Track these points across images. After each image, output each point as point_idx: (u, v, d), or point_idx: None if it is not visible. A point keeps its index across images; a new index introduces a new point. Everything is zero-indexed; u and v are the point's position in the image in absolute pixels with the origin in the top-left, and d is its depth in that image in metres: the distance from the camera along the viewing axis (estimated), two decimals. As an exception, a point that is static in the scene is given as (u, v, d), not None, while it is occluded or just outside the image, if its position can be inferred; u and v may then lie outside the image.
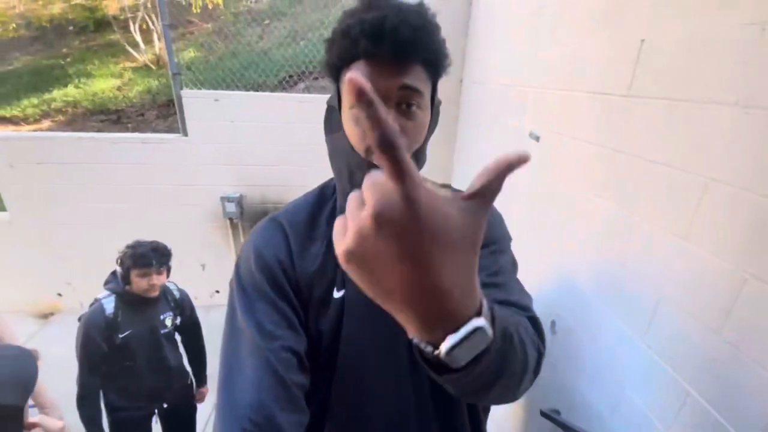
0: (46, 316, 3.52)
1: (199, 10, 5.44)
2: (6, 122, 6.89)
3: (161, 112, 5.91)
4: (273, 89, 3.66)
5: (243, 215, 3.46)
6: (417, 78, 0.56)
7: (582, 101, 1.56)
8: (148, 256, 1.62)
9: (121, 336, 1.64)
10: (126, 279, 1.64)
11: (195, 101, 3.06)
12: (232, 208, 3.33)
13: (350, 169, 0.61)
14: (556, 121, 1.81)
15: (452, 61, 0.61)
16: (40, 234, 3.27)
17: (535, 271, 1.87)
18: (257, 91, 3.43)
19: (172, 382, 1.87)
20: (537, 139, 2.00)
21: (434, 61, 0.57)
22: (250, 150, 3.25)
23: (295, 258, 0.63)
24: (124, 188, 3.24)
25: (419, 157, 0.62)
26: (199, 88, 3.11)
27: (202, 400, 2.09)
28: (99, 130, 5.70)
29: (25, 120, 6.78)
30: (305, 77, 3.79)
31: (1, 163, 3.14)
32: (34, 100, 6.70)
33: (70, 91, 6.61)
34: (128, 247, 1.66)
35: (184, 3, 5.34)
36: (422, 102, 0.58)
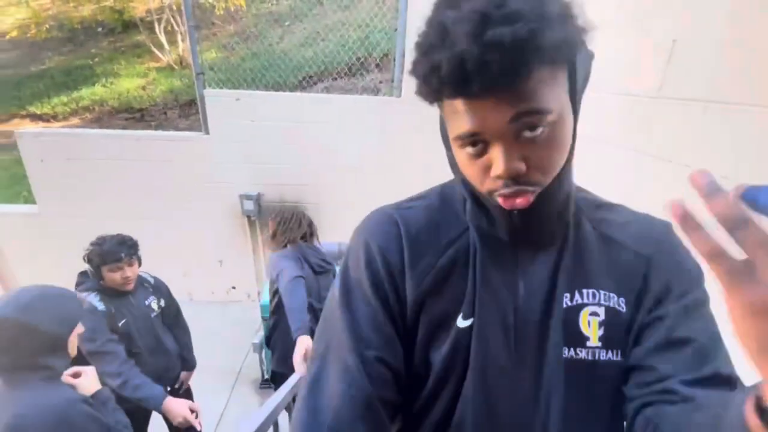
0: (70, 306, 3.64)
1: (222, 12, 5.56)
2: (37, 119, 7.17)
3: (183, 111, 6.06)
4: (293, 89, 3.70)
5: (261, 213, 3.51)
6: (536, 92, 0.40)
7: (607, 103, 1.52)
8: (116, 251, 1.62)
9: (120, 324, 1.69)
10: (98, 275, 1.66)
11: (217, 100, 3.12)
12: (250, 206, 3.38)
13: (464, 197, 0.54)
14: (579, 123, 1.77)
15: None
16: (68, 227, 3.38)
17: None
18: (277, 91, 3.47)
19: (172, 364, 1.92)
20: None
21: (559, 56, 0.40)
22: (269, 149, 3.29)
23: (407, 263, 0.54)
24: (148, 184, 3.33)
25: (563, 177, 0.49)
26: (221, 88, 3.17)
27: (185, 384, 2.07)
28: (124, 128, 5.87)
29: (54, 117, 7.04)
30: (325, 77, 3.83)
31: (32, 158, 3.28)
32: (64, 99, 6.97)
33: (98, 90, 6.85)
34: (93, 244, 1.66)
35: (207, 5, 5.47)
36: (551, 116, 0.42)
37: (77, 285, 1.71)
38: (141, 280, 1.83)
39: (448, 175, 0.63)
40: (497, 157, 0.43)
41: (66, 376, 1.08)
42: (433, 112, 0.57)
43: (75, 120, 6.60)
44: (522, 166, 0.43)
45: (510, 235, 0.51)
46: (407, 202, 0.61)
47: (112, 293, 1.70)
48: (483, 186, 0.47)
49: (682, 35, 1.16)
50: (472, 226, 0.55)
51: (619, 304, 0.50)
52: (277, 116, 3.20)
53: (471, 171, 0.48)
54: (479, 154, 0.45)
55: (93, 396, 1.12)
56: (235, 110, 3.14)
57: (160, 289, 1.92)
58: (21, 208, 3.62)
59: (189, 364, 2.05)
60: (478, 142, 0.44)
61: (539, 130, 0.42)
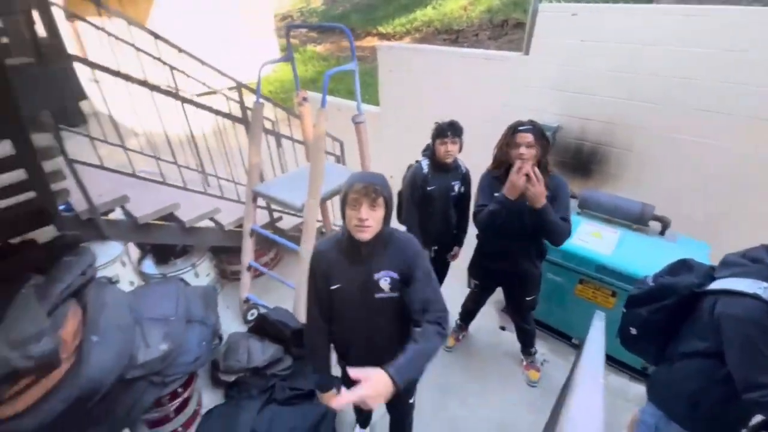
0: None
1: None
2: (382, 38, 8.98)
3: (494, 33, 6.12)
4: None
5: (553, 148, 3.29)
6: None
7: None
8: (445, 129, 2.10)
9: (428, 189, 2.21)
10: (432, 147, 2.18)
11: (548, 17, 2.89)
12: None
13: None
14: None
15: None
16: (402, 125, 4.24)
17: None
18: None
19: (449, 231, 2.41)
20: None
21: None
22: (592, 75, 2.89)
23: None
24: (464, 100, 3.61)
25: None
26: (559, 1, 2.89)
27: (455, 258, 2.56)
28: (441, 48, 6.54)
29: (393, 36, 8.62)
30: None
31: (384, 68, 4.16)
32: (403, 20, 8.36)
33: (428, 12, 7.79)
34: (435, 123, 2.17)
35: None
36: None
37: (423, 151, 2.31)
38: (456, 165, 2.27)
39: None
40: None
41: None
42: None
43: (407, 39, 7.88)
44: None
45: None
46: None
47: (436, 165, 2.21)
48: None
49: None
50: None
51: None
52: (613, 34, 2.69)
53: None
54: None
55: None
56: (565, 28, 2.84)
57: (466, 178, 2.32)
58: (370, 108, 4.78)
59: (461, 240, 2.51)
60: None
61: None
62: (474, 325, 2.73)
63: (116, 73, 2.21)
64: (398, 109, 4.20)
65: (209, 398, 2.26)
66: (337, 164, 3.33)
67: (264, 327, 2.33)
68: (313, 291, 1.37)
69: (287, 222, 3.35)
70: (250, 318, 2.70)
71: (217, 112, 2.73)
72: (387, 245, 1.30)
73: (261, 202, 2.83)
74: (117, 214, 2.35)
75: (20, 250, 1.80)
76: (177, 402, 1.94)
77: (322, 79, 2.26)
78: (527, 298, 2.20)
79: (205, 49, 2.70)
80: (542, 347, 2.61)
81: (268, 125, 2.99)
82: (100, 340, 1.54)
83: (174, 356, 1.75)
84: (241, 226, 2.81)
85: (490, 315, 2.90)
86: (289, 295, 2.59)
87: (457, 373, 2.50)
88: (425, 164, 2.23)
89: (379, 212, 1.22)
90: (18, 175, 1.67)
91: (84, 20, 2.26)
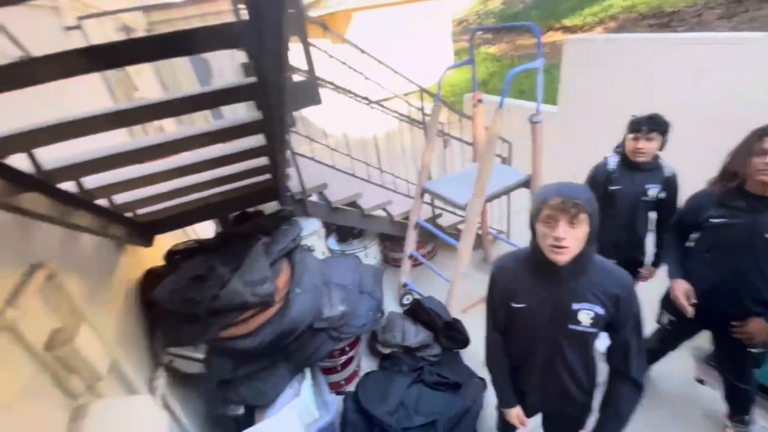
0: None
1: None
2: (566, 31, 8.19)
3: (728, 11, 4.80)
4: None
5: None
6: None
7: None
8: (640, 122, 1.78)
9: (611, 188, 1.94)
10: (623, 143, 1.90)
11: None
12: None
13: None
14: None
15: None
16: (587, 125, 3.79)
17: None
18: None
19: (632, 244, 2.01)
20: None
21: None
22: None
23: None
24: (675, 95, 2.97)
25: None
26: None
27: (646, 279, 2.11)
28: (643, 36, 5.53)
29: (581, 28, 7.75)
30: None
31: (568, 64, 3.81)
32: (596, 9, 7.42)
33: (631, -4, 6.70)
34: (632, 115, 1.85)
35: None
36: None
37: (615, 147, 2.02)
38: (657, 166, 1.90)
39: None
40: None
41: None
42: None
43: (598, 30, 6.97)
44: None
45: None
46: None
47: (627, 163, 1.92)
48: None
49: None
50: None
51: None
52: None
53: None
54: None
55: None
56: None
57: (670, 184, 1.90)
58: (544, 107, 4.45)
59: (659, 260, 2.05)
60: None
61: None
62: (658, 370, 2.25)
63: (335, 86, 2.71)
64: (582, 107, 3.79)
65: (366, 363, 2.57)
66: (503, 165, 3.26)
67: (418, 312, 2.50)
68: (491, 307, 1.29)
69: (446, 219, 3.48)
70: (405, 302, 2.94)
71: (401, 116, 3.04)
72: (588, 269, 1.10)
73: (425, 198, 3.03)
74: (314, 198, 2.91)
75: (254, 217, 2.44)
76: (344, 358, 2.29)
77: (497, 81, 2.27)
78: (752, 350, 1.63)
79: (389, 57, 3.02)
80: (762, 419, 1.98)
81: (438, 127, 3.16)
82: (301, 292, 1.97)
83: (348, 318, 2.08)
84: (407, 218, 3.07)
85: (681, 360, 2.34)
86: (441, 287, 2.70)
87: (634, 420, 2.13)
88: (613, 160, 1.97)
89: (581, 230, 1.01)
90: (262, 161, 2.28)
91: (310, 43, 2.85)
